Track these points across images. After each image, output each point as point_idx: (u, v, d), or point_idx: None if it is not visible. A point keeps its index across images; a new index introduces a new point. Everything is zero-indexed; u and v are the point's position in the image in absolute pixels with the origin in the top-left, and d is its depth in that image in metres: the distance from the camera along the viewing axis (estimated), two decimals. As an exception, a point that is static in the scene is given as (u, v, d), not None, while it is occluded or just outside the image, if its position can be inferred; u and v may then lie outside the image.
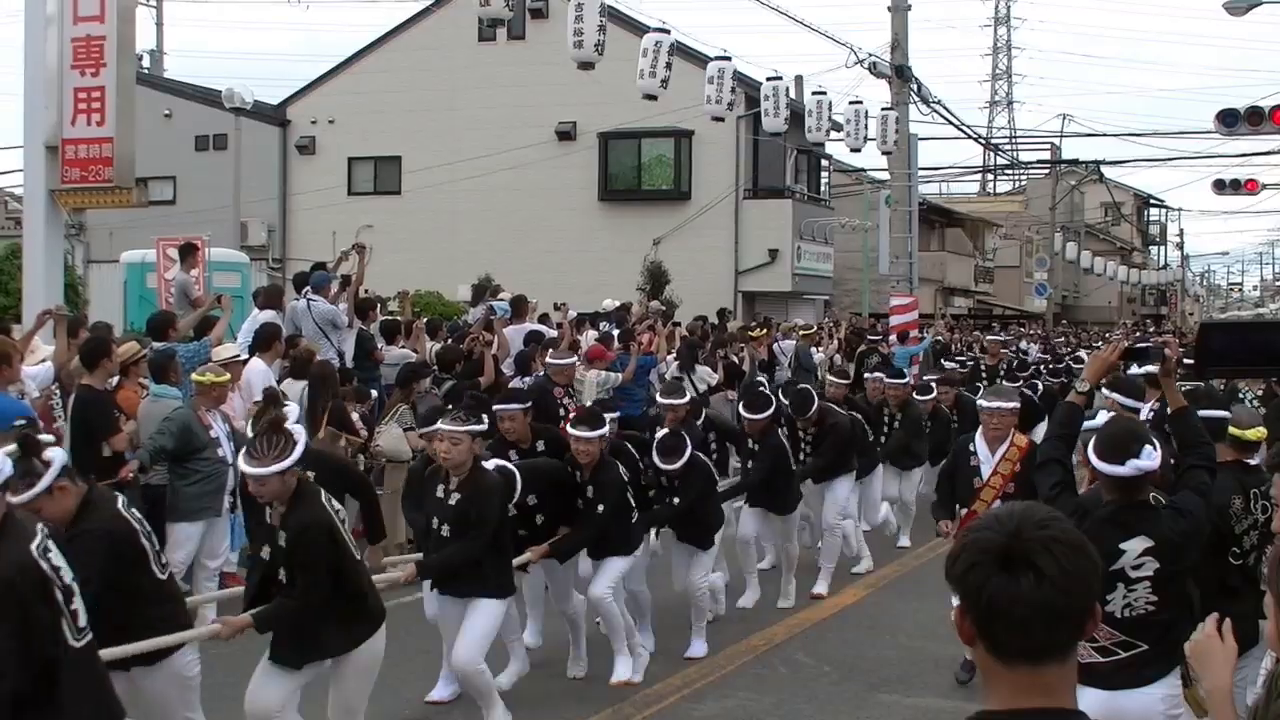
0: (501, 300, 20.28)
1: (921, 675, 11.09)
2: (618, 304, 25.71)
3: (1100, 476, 6.35)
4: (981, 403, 10.99)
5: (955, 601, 2.74)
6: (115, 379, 12.44)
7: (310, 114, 45.67)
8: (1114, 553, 6.15)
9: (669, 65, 23.60)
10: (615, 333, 21.06)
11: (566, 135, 42.40)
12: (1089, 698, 6.21)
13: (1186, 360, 7.55)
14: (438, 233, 40.78)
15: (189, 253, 18.12)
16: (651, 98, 24.23)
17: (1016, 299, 65.95)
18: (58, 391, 12.26)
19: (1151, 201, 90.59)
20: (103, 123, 14.88)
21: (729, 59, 25.59)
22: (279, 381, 14.14)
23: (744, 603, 13.23)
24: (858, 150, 31.39)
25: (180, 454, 11.54)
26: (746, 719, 10.01)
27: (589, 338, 20.78)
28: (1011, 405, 10.70)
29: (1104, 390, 10.27)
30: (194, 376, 11.88)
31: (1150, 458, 6.24)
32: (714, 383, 19.13)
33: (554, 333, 19.53)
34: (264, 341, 14.56)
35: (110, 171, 14.90)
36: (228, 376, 12.12)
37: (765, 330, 24.02)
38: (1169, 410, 6.98)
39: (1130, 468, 6.19)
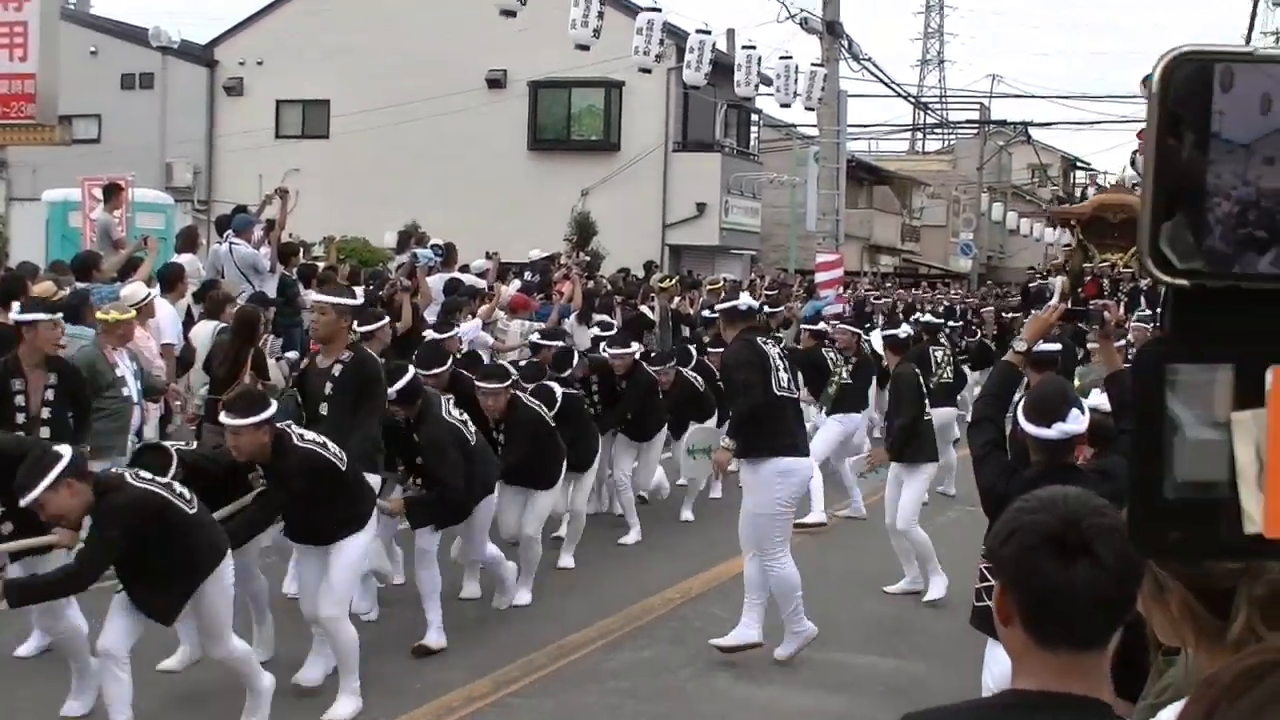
0: (426, 249, 20.21)
1: (834, 632, 11.19)
2: (544, 254, 25.67)
3: (1027, 438, 6.38)
4: None
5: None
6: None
7: (238, 55, 45.25)
8: None
9: (600, 15, 23.53)
10: (538, 282, 21.07)
11: (497, 83, 42.23)
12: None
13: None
14: (365, 178, 40.53)
15: (113, 193, 17.97)
16: (584, 48, 24.17)
17: (942, 258, 66.27)
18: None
19: (1078, 164, 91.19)
20: (25, 58, 14.75)
21: (659, 10, 25.57)
22: (188, 323, 14.05)
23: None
24: (787, 106, 31.44)
25: (85, 391, 11.39)
26: (661, 670, 10.10)
27: (513, 287, 20.77)
28: None
29: None
30: (98, 314, 11.75)
31: (1077, 421, 6.27)
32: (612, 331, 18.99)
33: (480, 282, 19.48)
34: (167, 282, 14.40)
35: (32, 108, 14.81)
36: (132, 314, 11.95)
37: (675, 282, 23.99)
38: (1106, 372, 7.05)
39: (1056, 430, 6.21)
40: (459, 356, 13.32)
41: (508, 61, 41.10)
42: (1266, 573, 2.53)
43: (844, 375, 16.24)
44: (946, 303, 34.44)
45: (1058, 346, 11.58)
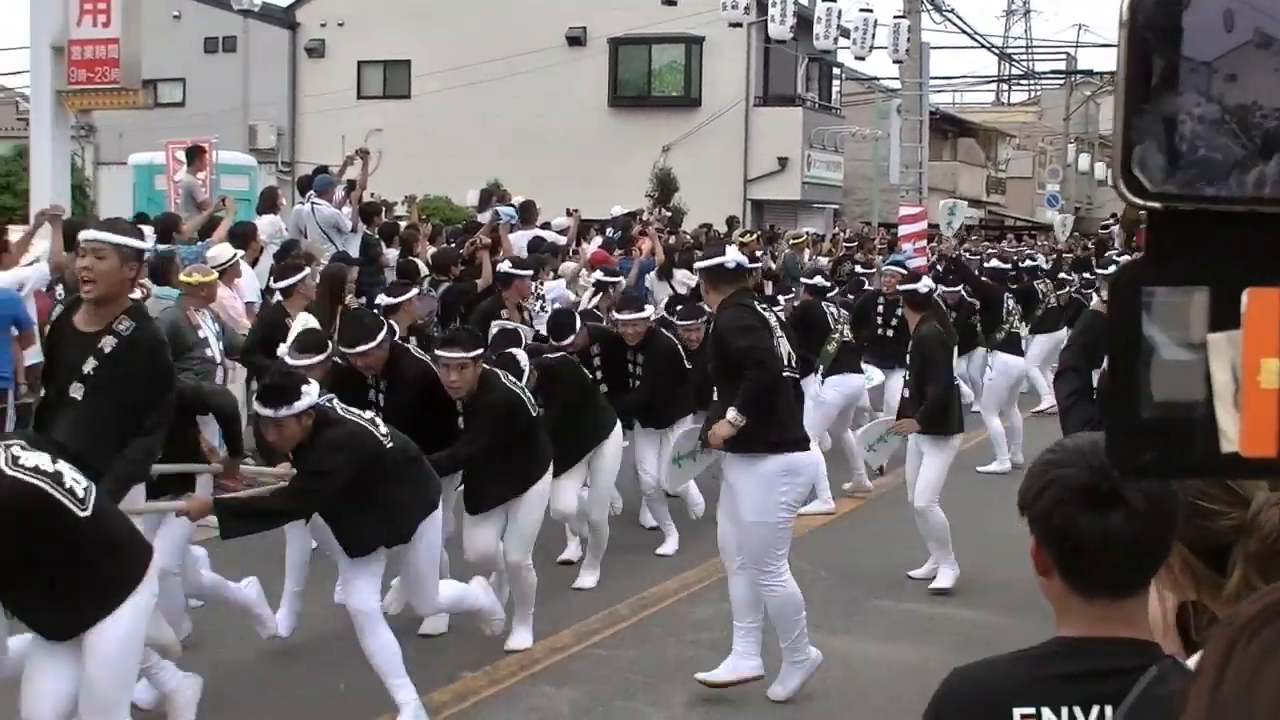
0: (509, 206, 20.28)
1: (913, 582, 11.23)
2: (625, 211, 25.66)
3: None
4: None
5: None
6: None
7: (320, 16, 45.52)
8: None
9: (686, -32, 23.54)
10: (619, 238, 21.09)
11: (577, 40, 42.25)
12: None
13: None
14: (446, 137, 40.69)
15: (196, 155, 18.18)
16: (670, 3, 24.14)
17: (1028, 210, 65.71)
18: (62, 291, 12.34)
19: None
20: (109, 23, 14.91)
21: (742, -36, 25.51)
22: (268, 282, 14.19)
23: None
24: (862, 59, 31.27)
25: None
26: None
27: (595, 244, 20.80)
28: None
29: None
30: (181, 276, 11.91)
31: None
32: (693, 284, 18.87)
33: (561, 239, 19.54)
34: (239, 240, 14.48)
35: (116, 73, 14.96)
36: (214, 276, 12.14)
37: (756, 237, 23.94)
38: None
39: None
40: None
41: (587, 18, 41.13)
42: (1259, 529, 2.58)
43: (845, 333, 14.65)
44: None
45: None
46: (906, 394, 11.83)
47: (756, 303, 8.63)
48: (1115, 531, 2.57)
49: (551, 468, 9.52)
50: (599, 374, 11.70)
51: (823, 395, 14.24)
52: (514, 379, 9.39)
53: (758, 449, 8.12)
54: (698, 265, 8.86)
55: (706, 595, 10.76)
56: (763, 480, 8.12)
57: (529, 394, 9.38)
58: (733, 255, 8.44)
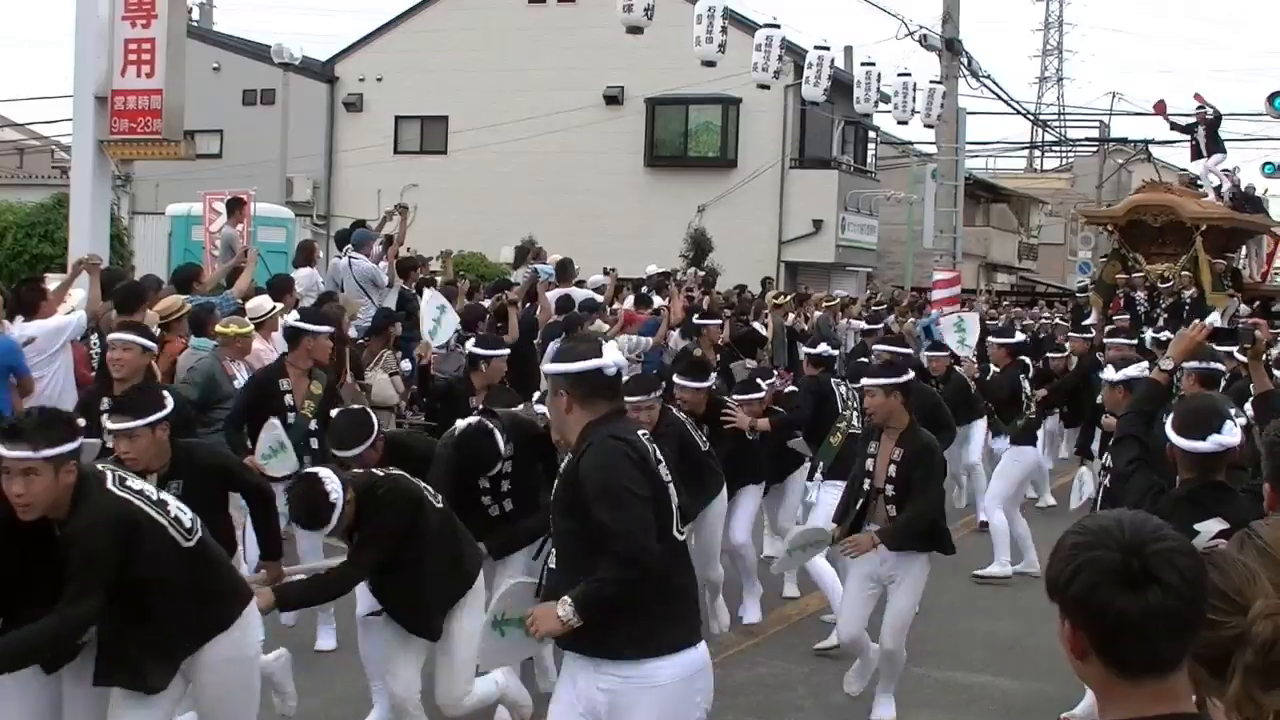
0: (547, 264, 20.29)
1: (953, 650, 11.09)
2: (660, 270, 25.67)
3: (1178, 453, 6.17)
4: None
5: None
6: (157, 331, 12.50)
7: (358, 71, 45.85)
8: (1187, 534, 5.97)
9: (724, 30, 23.49)
10: (655, 298, 21.06)
11: (614, 100, 42.42)
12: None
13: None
14: (482, 194, 40.86)
15: (236, 207, 18.26)
16: (710, 64, 24.14)
17: (1060, 276, 65.64)
18: (98, 341, 12.32)
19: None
20: (152, 74, 14.93)
21: (778, 26, 25.51)
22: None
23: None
24: (904, 123, 31.27)
25: (204, 404, 11.44)
26: (778, 686, 10.04)
27: (627, 303, 20.78)
28: None
29: None
30: (218, 327, 11.89)
31: (1231, 433, 6.08)
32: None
33: (598, 296, 19.52)
34: (276, 292, 14.49)
35: (159, 123, 14.96)
36: (250, 328, 12.14)
37: (790, 299, 23.93)
38: (1254, 393, 6.91)
39: (1212, 443, 6.02)
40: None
41: (625, 78, 41.29)
42: (1253, 641, 2.71)
43: (854, 420, 11.37)
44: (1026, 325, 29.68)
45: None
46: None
47: (635, 433, 5.67)
48: (1155, 609, 2.56)
49: (246, 632, 6.28)
50: (506, 483, 8.52)
51: (821, 498, 11.24)
52: (139, 490, 5.91)
53: (648, 651, 5.42)
54: (556, 368, 5.68)
55: (741, 660, 10.66)
56: (665, 695, 5.42)
57: (177, 512, 5.98)
58: (612, 356, 5.60)
